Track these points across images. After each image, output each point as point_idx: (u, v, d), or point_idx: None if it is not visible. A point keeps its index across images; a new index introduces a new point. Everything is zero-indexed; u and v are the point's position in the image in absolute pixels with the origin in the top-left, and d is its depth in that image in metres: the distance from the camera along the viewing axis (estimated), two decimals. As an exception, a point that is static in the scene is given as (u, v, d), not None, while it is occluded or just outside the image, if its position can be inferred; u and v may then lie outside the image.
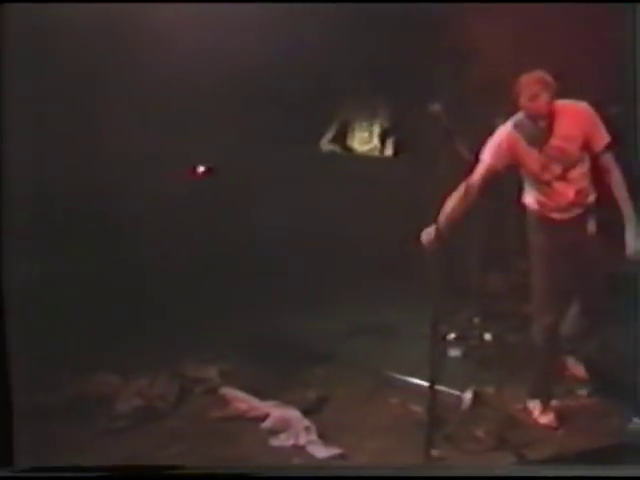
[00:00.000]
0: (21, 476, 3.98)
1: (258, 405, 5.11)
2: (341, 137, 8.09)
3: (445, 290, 4.60)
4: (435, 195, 4.60)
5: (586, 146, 4.70)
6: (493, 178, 4.82)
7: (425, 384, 4.62)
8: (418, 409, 4.94)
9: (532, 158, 4.75)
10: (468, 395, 4.99)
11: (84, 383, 5.39)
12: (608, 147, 4.68)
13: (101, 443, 4.80)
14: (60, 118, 5.87)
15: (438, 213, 4.59)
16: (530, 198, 4.95)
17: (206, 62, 6.25)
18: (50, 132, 5.62)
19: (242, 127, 6.99)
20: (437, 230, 4.56)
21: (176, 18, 5.75)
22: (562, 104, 4.69)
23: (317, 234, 6.95)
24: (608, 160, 4.69)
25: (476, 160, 4.82)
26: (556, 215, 4.82)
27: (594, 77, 5.78)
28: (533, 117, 4.64)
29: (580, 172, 4.75)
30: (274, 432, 4.85)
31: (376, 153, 7.91)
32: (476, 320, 5.94)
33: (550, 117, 4.65)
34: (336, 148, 8.03)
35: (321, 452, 4.60)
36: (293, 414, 4.93)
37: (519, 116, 4.73)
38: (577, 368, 5.09)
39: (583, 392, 5.15)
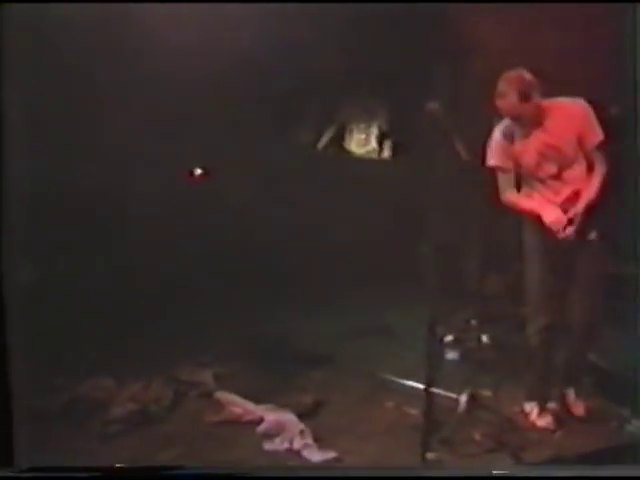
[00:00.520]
0: (21, 476, 3.95)
1: (253, 409, 5.08)
2: (339, 139, 8.08)
3: (442, 292, 4.56)
4: (433, 197, 4.57)
5: (580, 143, 4.65)
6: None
7: (421, 387, 4.59)
8: (414, 412, 4.91)
9: (526, 157, 4.72)
10: (465, 398, 4.94)
11: (79, 387, 5.35)
12: (600, 145, 4.63)
13: (96, 447, 4.77)
14: (59, 118, 5.85)
15: (435, 216, 4.55)
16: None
17: (203, 63, 6.23)
18: (49, 132, 5.59)
19: (239, 129, 6.98)
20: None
21: (175, 18, 5.72)
22: (556, 102, 4.67)
23: (315, 236, 6.94)
24: (595, 158, 4.65)
25: (482, 163, 4.79)
26: None
27: (594, 77, 5.75)
28: (506, 116, 4.62)
29: (577, 172, 4.70)
30: (269, 436, 4.81)
31: (374, 155, 7.89)
32: (473, 322, 5.90)
33: (537, 116, 4.62)
34: (333, 150, 8.02)
35: (316, 456, 4.56)
36: (288, 418, 4.89)
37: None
38: (577, 405, 5.00)
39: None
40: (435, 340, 4.73)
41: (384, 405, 5.23)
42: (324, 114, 8.04)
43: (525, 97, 4.53)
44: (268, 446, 4.72)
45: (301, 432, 4.75)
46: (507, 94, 4.54)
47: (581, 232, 4.64)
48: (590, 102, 4.71)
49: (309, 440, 4.70)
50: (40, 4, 4.62)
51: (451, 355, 5.71)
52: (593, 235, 4.66)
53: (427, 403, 4.49)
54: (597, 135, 4.62)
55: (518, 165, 4.79)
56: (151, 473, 4.09)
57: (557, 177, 4.71)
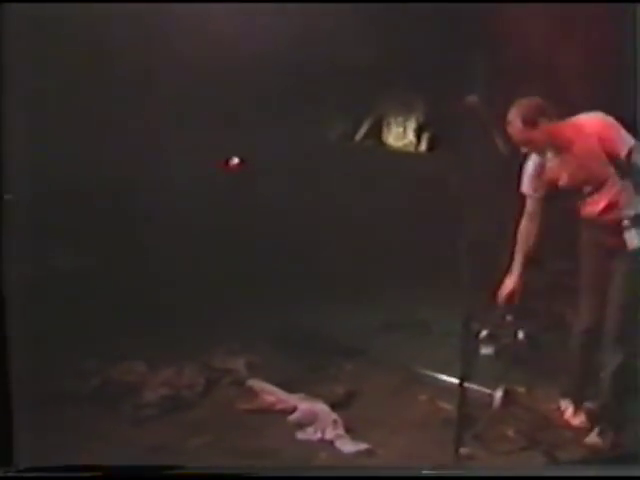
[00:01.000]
0: (21, 476, 3.95)
1: (286, 398, 5.07)
2: (376, 132, 8.05)
3: (478, 287, 4.52)
4: (470, 191, 4.54)
5: (609, 157, 4.49)
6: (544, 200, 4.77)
7: (455, 381, 4.56)
8: (448, 406, 4.88)
9: (561, 182, 4.66)
10: (499, 394, 4.90)
11: (111, 371, 5.37)
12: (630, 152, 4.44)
13: (127, 432, 4.78)
14: (62, 117, 5.87)
15: (473, 212, 4.50)
16: None
17: (238, 53, 6.24)
18: (52, 131, 5.61)
19: (276, 121, 6.97)
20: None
21: (208, 7, 5.71)
22: (575, 121, 4.57)
23: (350, 229, 6.92)
24: (629, 165, 4.46)
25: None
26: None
27: (594, 77, 5.70)
28: (516, 143, 4.55)
29: (612, 189, 4.58)
30: (301, 425, 4.80)
31: (411, 148, 7.86)
32: (509, 318, 5.84)
33: (554, 140, 4.55)
34: (371, 143, 7.99)
35: (348, 447, 4.54)
36: (321, 408, 4.88)
37: None
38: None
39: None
40: (470, 335, 4.69)
41: (417, 398, 5.21)
42: (361, 106, 8.02)
43: (530, 123, 4.46)
44: (301, 435, 4.70)
45: (334, 422, 4.73)
46: (512, 121, 4.50)
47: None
48: (590, 103, 4.64)
49: (341, 431, 4.68)
50: (40, 4, 4.62)
51: (486, 350, 5.65)
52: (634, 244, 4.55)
53: (461, 398, 4.46)
54: (624, 145, 4.43)
55: (555, 189, 4.73)
56: (151, 473, 4.06)
57: (594, 192, 4.62)
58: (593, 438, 4.59)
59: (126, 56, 6.13)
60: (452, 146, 6.56)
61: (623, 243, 4.53)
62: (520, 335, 5.61)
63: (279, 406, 5.02)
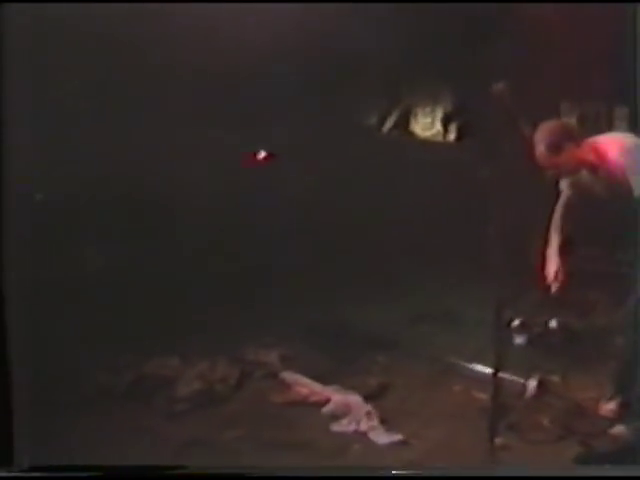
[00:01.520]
0: (21, 476, 3.96)
1: (319, 390, 5.07)
2: (404, 122, 8.03)
3: (509, 276, 4.50)
4: (499, 178, 4.51)
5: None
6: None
7: (489, 371, 4.54)
8: (482, 396, 4.84)
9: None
10: (533, 383, 4.90)
11: (145, 365, 5.40)
12: None
13: (162, 426, 4.79)
14: (77, 117, 5.90)
15: (502, 199, 4.47)
16: None
17: (264, 45, 6.22)
18: (51, 130, 5.63)
19: (303, 114, 6.97)
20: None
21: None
22: (595, 146, 4.52)
23: (380, 220, 6.91)
24: None
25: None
26: None
27: (594, 78, 5.65)
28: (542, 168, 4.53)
29: None
30: (335, 417, 4.80)
31: (439, 138, 7.83)
32: (541, 306, 5.83)
33: (580, 164, 4.51)
34: (398, 133, 7.97)
35: (382, 438, 4.53)
36: (354, 399, 4.88)
37: None
38: None
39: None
40: (502, 324, 4.66)
41: (451, 389, 5.19)
42: (388, 97, 8.00)
43: (554, 149, 4.44)
44: (335, 427, 4.70)
45: (368, 414, 4.73)
46: (537, 145, 4.47)
47: None
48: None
49: (375, 422, 4.67)
50: (40, 4, 4.62)
51: (519, 340, 5.64)
52: None
53: (495, 388, 4.43)
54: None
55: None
56: (152, 473, 4.07)
57: None
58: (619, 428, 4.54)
59: (138, 54, 6.12)
60: (480, 135, 6.55)
61: None
62: (553, 323, 5.60)
63: (313, 398, 5.03)
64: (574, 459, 4.25)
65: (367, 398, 4.93)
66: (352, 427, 4.67)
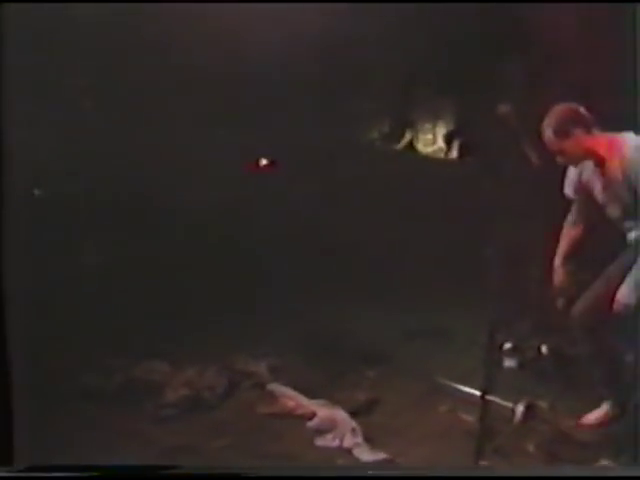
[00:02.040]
0: (21, 476, 3.96)
1: (305, 403, 5.06)
2: (405, 138, 8.02)
3: (504, 298, 4.49)
4: (500, 199, 4.50)
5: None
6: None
7: (477, 393, 4.53)
8: (469, 418, 4.83)
9: (596, 192, 4.61)
10: (521, 408, 4.87)
11: (134, 369, 5.39)
12: None
13: (148, 430, 4.80)
14: (67, 115, 5.91)
15: (503, 221, 4.46)
16: None
17: (268, 54, 6.22)
18: (50, 128, 5.64)
19: (303, 126, 6.96)
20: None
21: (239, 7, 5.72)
22: (611, 139, 4.47)
23: (375, 234, 6.89)
24: None
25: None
26: None
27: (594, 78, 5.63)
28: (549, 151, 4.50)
29: None
30: (320, 432, 4.78)
31: (441, 155, 7.82)
32: (534, 331, 5.81)
33: (586, 153, 4.48)
34: (400, 149, 7.96)
35: (366, 456, 4.52)
36: (340, 415, 4.86)
37: None
38: None
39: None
40: (494, 346, 4.65)
41: (438, 409, 5.16)
42: (390, 111, 7.99)
43: (562, 133, 4.40)
44: (320, 442, 4.69)
45: (352, 430, 4.71)
46: (545, 129, 4.43)
47: None
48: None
49: (360, 439, 4.66)
50: (40, 4, 4.62)
51: (509, 363, 5.62)
52: None
53: (482, 410, 4.42)
54: None
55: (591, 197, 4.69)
56: (151, 473, 4.06)
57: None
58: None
59: (138, 54, 6.12)
60: (483, 153, 6.54)
61: None
62: (544, 349, 5.58)
63: (299, 411, 5.02)
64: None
65: (354, 414, 4.91)
66: (336, 443, 4.66)
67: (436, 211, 6.94)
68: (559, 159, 4.55)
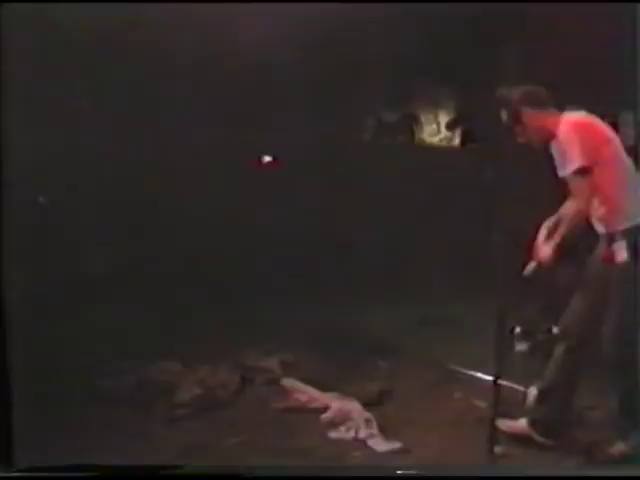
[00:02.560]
0: (21, 476, 3.96)
1: (318, 397, 5.06)
2: (409, 128, 8.02)
3: (512, 282, 4.48)
4: (504, 184, 4.49)
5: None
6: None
7: (490, 379, 4.51)
8: (482, 404, 4.83)
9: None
10: (533, 391, 4.85)
11: (146, 370, 5.40)
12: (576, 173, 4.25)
13: (162, 431, 4.79)
14: (67, 115, 5.92)
15: (507, 206, 4.44)
16: None
17: (270, 52, 6.22)
18: (51, 130, 5.64)
19: (305, 119, 6.97)
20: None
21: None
22: (557, 118, 4.40)
23: (382, 226, 6.90)
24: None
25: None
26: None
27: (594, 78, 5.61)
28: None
29: None
30: (334, 424, 4.78)
31: (445, 143, 7.82)
32: (543, 314, 5.79)
33: (538, 132, 4.41)
34: (404, 139, 7.97)
35: (381, 446, 4.52)
36: (353, 406, 4.86)
37: None
38: None
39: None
40: (504, 332, 4.64)
41: (451, 396, 5.18)
42: (394, 103, 7.99)
43: (515, 117, 4.39)
44: (334, 435, 4.69)
45: (367, 421, 4.71)
46: (501, 113, 4.44)
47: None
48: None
49: (374, 430, 4.66)
50: (40, 4, 4.62)
51: (520, 347, 5.61)
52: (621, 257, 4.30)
53: (495, 396, 4.41)
54: (574, 162, 4.23)
55: None
56: (151, 473, 4.06)
57: None
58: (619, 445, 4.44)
59: (138, 54, 6.12)
60: (486, 140, 6.53)
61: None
62: (555, 331, 5.55)
63: (312, 405, 5.02)
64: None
65: (367, 405, 4.91)
66: (351, 434, 4.65)
67: (441, 200, 6.95)
68: (519, 139, 4.51)
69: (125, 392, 5.17)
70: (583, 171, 4.22)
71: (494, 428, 4.32)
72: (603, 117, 4.59)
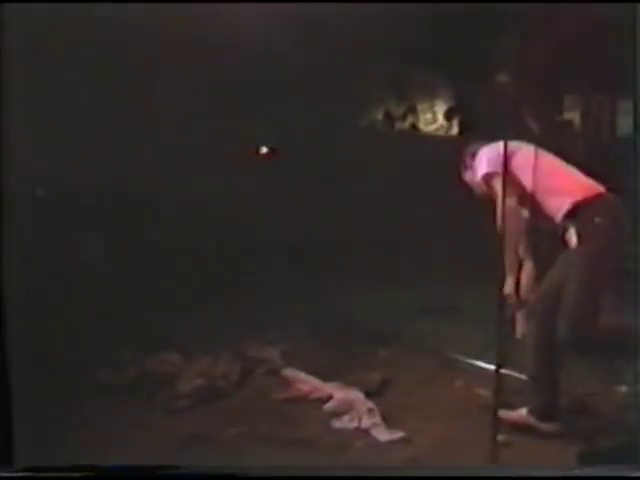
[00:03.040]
0: (21, 476, 3.95)
1: (321, 386, 5.05)
2: (406, 117, 8.01)
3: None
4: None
5: None
6: None
7: (491, 367, 4.51)
8: (484, 392, 4.82)
9: None
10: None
11: (146, 361, 5.38)
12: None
13: (163, 422, 4.77)
14: (67, 115, 5.90)
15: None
16: None
17: (266, 41, 6.21)
18: (50, 128, 5.63)
19: (303, 109, 6.95)
20: None
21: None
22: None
23: (381, 215, 6.88)
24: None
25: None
26: None
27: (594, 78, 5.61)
28: None
29: None
30: (337, 414, 4.77)
31: (442, 132, 7.81)
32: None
33: None
34: (402, 128, 7.96)
35: (384, 435, 4.50)
36: (356, 396, 4.85)
37: None
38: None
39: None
40: (505, 320, 4.62)
41: (453, 385, 5.18)
42: (390, 91, 7.97)
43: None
44: (337, 424, 4.67)
45: (369, 411, 4.70)
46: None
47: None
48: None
49: (377, 419, 4.64)
50: (40, 4, 4.60)
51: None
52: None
53: (497, 384, 4.40)
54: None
55: None
56: (151, 473, 4.05)
57: None
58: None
59: (137, 53, 6.10)
60: (483, 128, 6.51)
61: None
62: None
63: (314, 395, 5.00)
64: (577, 456, 4.21)
65: (369, 394, 4.91)
66: (354, 424, 4.64)
67: (439, 189, 6.92)
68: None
69: (125, 384, 5.15)
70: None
71: (496, 416, 4.32)
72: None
